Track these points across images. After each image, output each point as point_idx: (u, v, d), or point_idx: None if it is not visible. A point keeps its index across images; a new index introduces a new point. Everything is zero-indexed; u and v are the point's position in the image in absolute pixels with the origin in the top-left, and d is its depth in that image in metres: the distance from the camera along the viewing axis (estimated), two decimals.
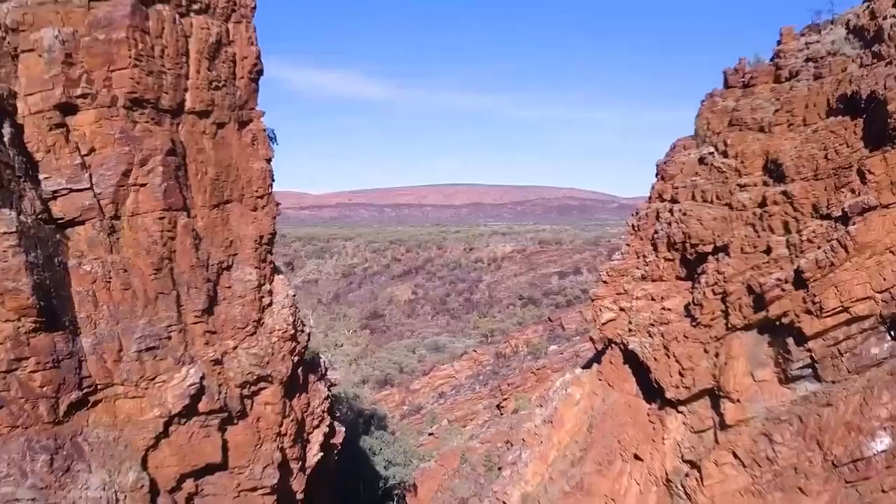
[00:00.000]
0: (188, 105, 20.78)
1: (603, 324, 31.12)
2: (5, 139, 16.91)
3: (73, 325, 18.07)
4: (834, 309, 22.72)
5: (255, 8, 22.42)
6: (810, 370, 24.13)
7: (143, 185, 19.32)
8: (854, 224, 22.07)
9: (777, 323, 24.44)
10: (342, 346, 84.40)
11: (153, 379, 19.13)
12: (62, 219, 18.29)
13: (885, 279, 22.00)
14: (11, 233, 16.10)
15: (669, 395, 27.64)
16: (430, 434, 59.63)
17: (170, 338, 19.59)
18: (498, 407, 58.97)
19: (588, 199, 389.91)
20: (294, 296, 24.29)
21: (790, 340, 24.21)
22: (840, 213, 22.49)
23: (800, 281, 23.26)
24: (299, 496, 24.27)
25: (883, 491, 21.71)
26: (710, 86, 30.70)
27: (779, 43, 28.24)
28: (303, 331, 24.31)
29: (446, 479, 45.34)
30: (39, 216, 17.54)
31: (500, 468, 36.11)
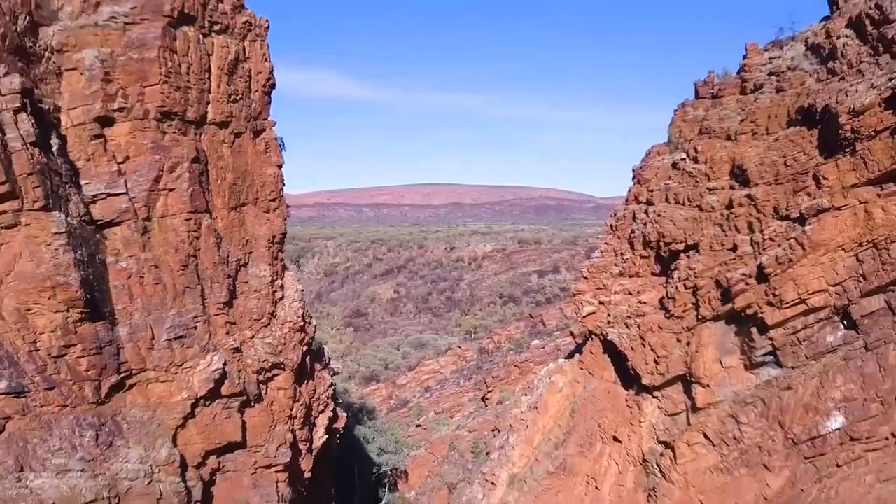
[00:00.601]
0: (210, 116, 22.69)
1: (584, 316, 33.03)
2: (53, 149, 18.79)
3: (111, 315, 19.95)
4: (793, 301, 24.63)
5: (268, 28, 24.38)
6: (772, 357, 26.06)
7: (172, 189, 21.23)
8: (810, 224, 23.95)
9: (742, 314, 26.31)
10: (327, 343, 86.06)
11: (181, 365, 21.01)
12: (101, 220, 20.13)
13: (837, 273, 23.96)
14: (62, 233, 17.98)
15: (645, 381, 29.56)
16: (418, 426, 61.13)
17: (196, 328, 21.50)
18: (483, 399, 60.58)
19: (565, 199, 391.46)
20: (302, 290, 26.28)
21: (754, 330, 26.12)
22: (798, 215, 24.35)
23: (762, 276, 25.16)
24: (307, 475, 26.21)
25: (837, 465, 23.63)
26: (685, 85, 32.85)
27: (745, 57, 30.12)
28: (310, 322, 26.25)
29: (436, 465, 47.18)
30: (82, 218, 19.41)
31: (487, 453, 38.02)
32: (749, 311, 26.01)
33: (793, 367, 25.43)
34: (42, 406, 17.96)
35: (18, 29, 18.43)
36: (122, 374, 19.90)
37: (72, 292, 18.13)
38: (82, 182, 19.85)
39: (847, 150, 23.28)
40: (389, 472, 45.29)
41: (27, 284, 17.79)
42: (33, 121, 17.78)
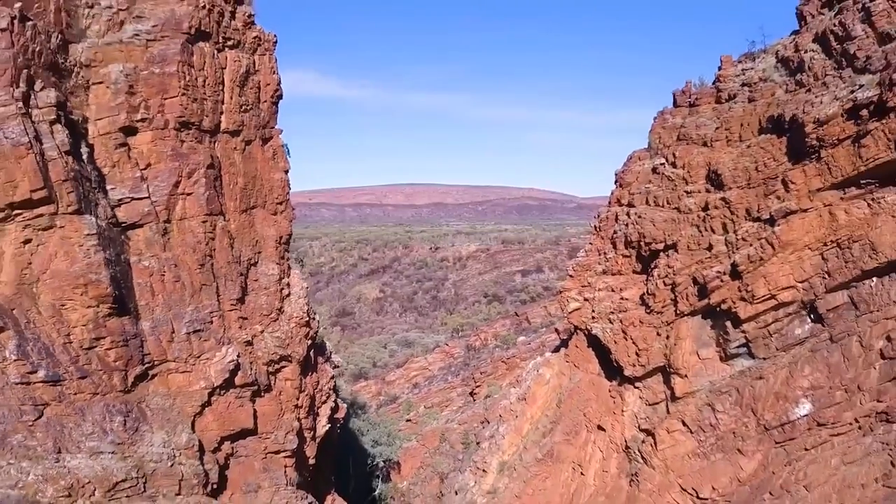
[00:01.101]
0: (223, 126, 24.30)
1: (570, 312, 34.56)
2: (83, 157, 20.37)
3: (135, 311, 21.52)
4: (764, 296, 26.20)
5: (276, 42, 25.99)
6: (745, 349, 27.65)
7: (190, 194, 22.84)
8: (779, 225, 25.53)
9: (717, 309, 27.91)
10: None
11: (199, 357, 22.57)
12: (125, 222, 21.72)
13: (804, 271, 25.58)
14: (93, 234, 19.56)
15: (627, 372, 31.16)
16: (408, 420, 62.34)
17: (212, 322, 23.09)
18: (471, 394, 61.76)
19: (547, 199, 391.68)
20: (307, 288, 27.88)
21: (728, 324, 27.69)
22: (768, 216, 25.92)
23: (736, 273, 26.72)
24: (311, 461, 27.80)
25: (806, 449, 25.05)
26: (665, 87, 34.29)
27: (719, 68, 31.74)
28: (314, 318, 27.84)
29: (427, 456, 48.66)
30: (109, 220, 20.98)
31: (478, 443, 39.59)
32: (724, 306, 27.55)
33: (764, 358, 27.00)
34: (76, 393, 19.45)
35: (52, 46, 19.98)
36: (146, 365, 21.48)
37: (102, 289, 19.71)
38: (108, 187, 21.42)
39: (813, 156, 24.80)
40: (383, 464, 46.70)
41: (62, 282, 19.35)
42: (67, 131, 19.38)
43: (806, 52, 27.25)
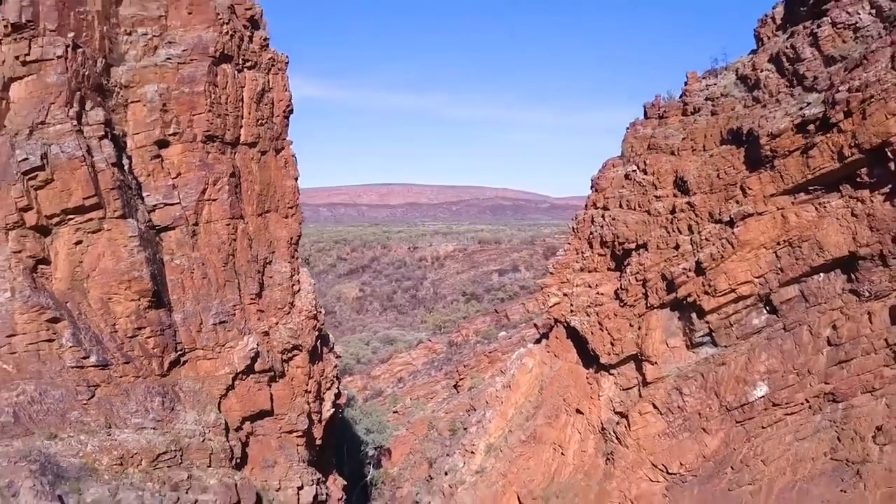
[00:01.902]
0: (242, 138, 26.93)
1: (550, 306, 36.82)
2: (125, 168, 23.01)
3: (168, 304, 24.15)
4: (725, 290, 28.36)
5: (288, 62, 28.64)
6: (709, 337, 29.82)
7: (215, 200, 25.48)
8: (738, 227, 27.71)
9: (684, 302, 30.07)
10: None
11: (224, 345, 25.23)
12: (159, 226, 24.36)
13: (760, 267, 27.84)
14: (135, 236, 22.22)
15: (603, 360, 33.33)
16: (395, 412, 64.51)
17: (235, 315, 25.74)
18: (455, 386, 64.11)
19: (520, 199, 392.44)
20: (314, 284, 30.53)
21: (694, 315, 29.85)
22: (728, 219, 28.09)
23: (700, 270, 28.95)
24: (318, 441, 30.45)
25: (763, 427, 27.38)
26: (636, 88, 36.16)
27: (685, 84, 34.30)
28: (321, 311, 30.46)
29: (416, 443, 50.96)
30: (147, 224, 23.63)
31: (465, 429, 42.01)
32: (689, 300, 29.72)
33: (726, 346, 29.18)
34: (122, 377, 22.08)
35: (97, 70, 22.62)
36: (179, 352, 24.13)
37: (144, 284, 22.35)
38: (144, 194, 24.06)
39: (767, 165, 27.04)
40: (374, 451, 49.10)
41: (109, 278, 22.00)
42: (113, 145, 22.02)
43: (762, 70, 29.64)
